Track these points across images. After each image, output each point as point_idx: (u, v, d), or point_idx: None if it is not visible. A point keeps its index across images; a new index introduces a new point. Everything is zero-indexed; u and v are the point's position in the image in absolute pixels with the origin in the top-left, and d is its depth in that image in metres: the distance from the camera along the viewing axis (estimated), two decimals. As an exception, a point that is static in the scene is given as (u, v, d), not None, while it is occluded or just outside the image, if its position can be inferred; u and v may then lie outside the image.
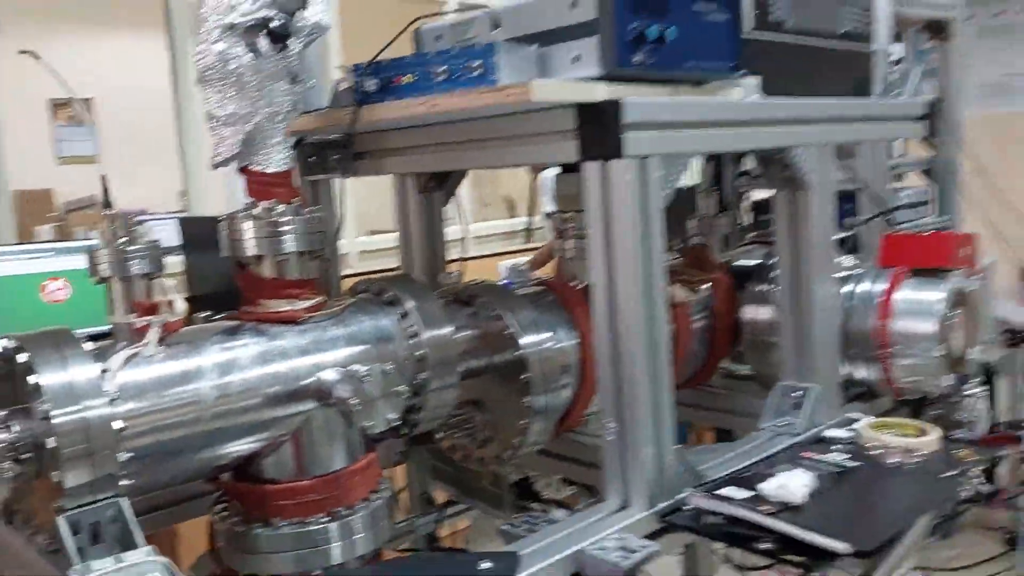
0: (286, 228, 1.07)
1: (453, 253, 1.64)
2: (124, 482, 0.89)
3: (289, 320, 1.08)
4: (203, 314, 1.10)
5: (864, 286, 1.51)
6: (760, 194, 2.75)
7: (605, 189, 1.09)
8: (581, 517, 1.12)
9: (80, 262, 3.15)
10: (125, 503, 0.88)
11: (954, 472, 1.22)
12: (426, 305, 1.20)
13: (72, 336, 0.91)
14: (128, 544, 0.85)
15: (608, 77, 1.09)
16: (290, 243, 1.08)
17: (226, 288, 1.15)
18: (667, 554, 1.12)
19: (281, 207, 1.08)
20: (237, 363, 1.00)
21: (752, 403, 1.53)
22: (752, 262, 1.69)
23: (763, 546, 1.01)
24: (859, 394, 1.57)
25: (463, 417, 1.35)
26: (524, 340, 1.26)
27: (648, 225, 1.10)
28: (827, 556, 0.97)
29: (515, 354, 1.26)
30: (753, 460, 1.24)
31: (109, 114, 6.26)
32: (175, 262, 3.02)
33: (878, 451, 1.27)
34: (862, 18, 1.59)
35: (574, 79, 1.10)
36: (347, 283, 1.37)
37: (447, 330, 1.20)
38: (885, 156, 2.69)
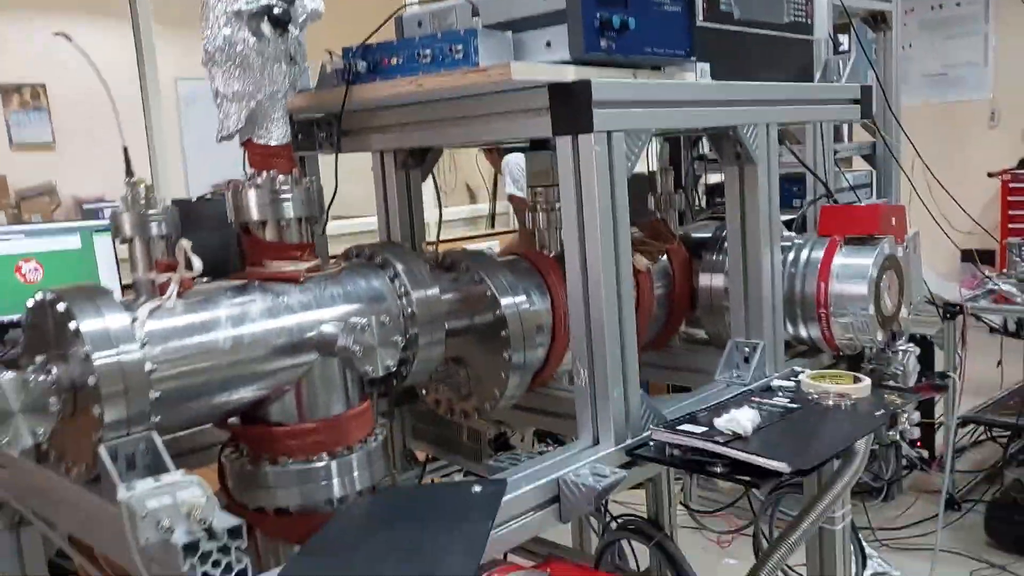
0: (286, 196, 1.19)
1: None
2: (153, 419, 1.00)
3: (291, 279, 1.19)
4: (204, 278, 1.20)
5: (804, 253, 1.67)
6: (714, 177, 2.93)
7: (576, 160, 1.23)
8: (557, 453, 1.25)
9: (50, 244, 3.17)
10: (155, 436, 0.99)
11: (883, 411, 1.38)
12: (414, 268, 1.32)
13: (104, 289, 1.01)
14: (160, 471, 0.95)
15: (577, 61, 1.22)
16: (290, 209, 1.19)
17: (210, 268, 1.25)
18: (632, 485, 1.26)
19: (282, 177, 1.19)
20: (248, 316, 1.11)
21: (707, 362, 1.68)
22: (706, 234, 1.85)
23: (717, 470, 1.16)
24: (802, 352, 1.74)
25: (447, 373, 1.48)
26: (504, 301, 1.39)
27: (614, 191, 1.24)
28: (771, 475, 1.12)
29: (495, 314, 1.39)
30: (708, 405, 1.39)
31: (64, 101, 6.19)
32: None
33: (817, 396, 1.43)
34: (804, 10, 1.75)
35: (547, 62, 1.23)
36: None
37: (434, 291, 1.32)
38: (831, 142, 2.88)
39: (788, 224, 2.08)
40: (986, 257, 4.82)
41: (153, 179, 3.38)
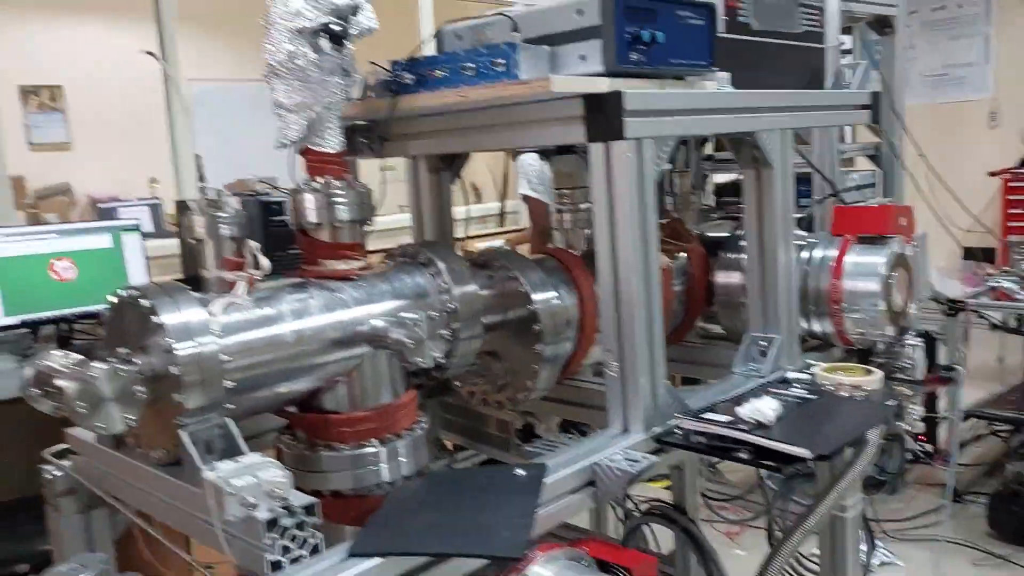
0: (341, 199, 1.27)
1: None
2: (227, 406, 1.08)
3: (345, 277, 1.27)
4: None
5: (819, 251, 1.76)
6: (720, 177, 3.01)
7: (608, 166, 1.31)
8: (590, 440, 1.34)
9: (83, 243, 3.28)
10: (231, 422, 1.07)
11: (894, 402, 1.47)
12: (454, 266, 1.40)
13: (181, 287, 1.09)
14: (235, 454, 1.04)
15: (609, 73, 1.31)
16: (344, 212, 1.28)
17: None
18: (662, 469, 1.35)
19: (336, 182, 1.28)
20: (307, 311, 1.20)
21: (721, 356, 1.77)
22: (722, 234, 1.93)
23: (743, 456, 1.24)
24: (815, 346, 1.83)
25: (481, 365, 1.56)
26: (536, 297, 1.47)
27: (643, 194, 1.33)
28: (793, 460, 1.21)
29: (528, 309, 1.47)
30: (728, 396, 1.48)
31: (81, 102, 6.28)
32: (159, 246, 3.16)
33: (831, 388, 1.51)
34: (816, 20, 1.84)
35: (581, 74, 1.31)
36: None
37: (473, 287, 1.41)
38: (836, 143, 2.96)
39: (796, 223, 2.16)
40: (987, 255, 4.91)
41: (177, 180, 3.47)
